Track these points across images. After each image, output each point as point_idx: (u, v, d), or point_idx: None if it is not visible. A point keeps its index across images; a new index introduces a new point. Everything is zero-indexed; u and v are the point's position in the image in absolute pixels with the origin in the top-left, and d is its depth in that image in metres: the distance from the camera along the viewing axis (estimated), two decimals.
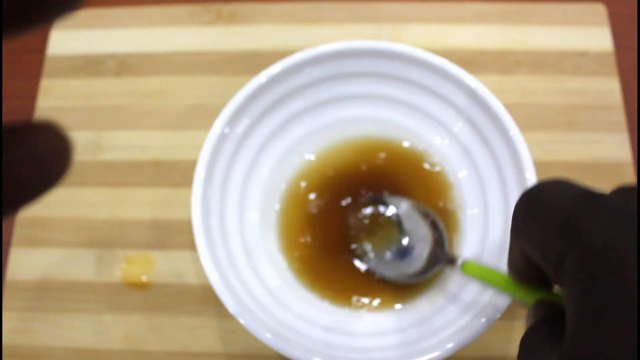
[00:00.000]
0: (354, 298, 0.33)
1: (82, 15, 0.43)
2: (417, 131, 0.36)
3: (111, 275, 0.36)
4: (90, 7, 0.44)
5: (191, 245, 0.36)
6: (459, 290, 0.31)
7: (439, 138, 0.35)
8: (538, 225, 0.16)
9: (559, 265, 0.15)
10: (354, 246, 0.33)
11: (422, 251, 0.32)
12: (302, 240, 0.34)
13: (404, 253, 0.32)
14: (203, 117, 0.39)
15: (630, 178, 0.37)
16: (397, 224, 0.33)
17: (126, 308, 0.35)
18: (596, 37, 0.40)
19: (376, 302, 0.33)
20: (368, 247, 0.33)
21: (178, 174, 0.38)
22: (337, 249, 0.34)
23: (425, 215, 0.33)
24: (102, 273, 0.36)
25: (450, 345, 0.27)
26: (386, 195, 0.34)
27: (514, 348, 0.33)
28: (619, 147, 0.37)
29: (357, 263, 0.33)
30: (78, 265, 0.36)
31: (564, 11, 0.41)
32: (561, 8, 0.41)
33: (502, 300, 0.28)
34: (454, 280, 0.32)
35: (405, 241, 0.33)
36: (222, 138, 0.32)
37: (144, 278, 0.36)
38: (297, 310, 0.32)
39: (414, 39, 0.41)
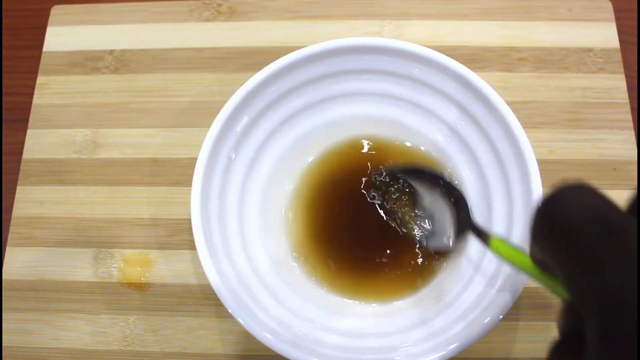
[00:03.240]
0: (355, 298, 0.32)
1: (80, 10, 0.43)
2: (419, 129, 0.35)
3: (109, 275, 0.35)
4: (88, 2, 0.43)
5: (190, 245, 0.35)
6: (462, 290, 0.31)
7: (441, 136, 0.35)
8: (558, 252, 0.16)
9: (575, 293, 0.15)
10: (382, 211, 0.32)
11: (445, 219, 0.30)
12: (302, 239, 0.34)
13: (427, 221, 0.31)
14: (202, 114, 0.39)
15: (635, 176, 0.36)
16: (412, 195, 0.32)
17: (124, 308, 0.35)
18: (601, 33, 0.40)
19: (378, 302, 0.32)
20: (398, 214, 0.32)
21: (177, 172, 0.37)
22: (338, 246, 0.34)
23: (441, 181, 0.31)
24: (99, 273, 0.35)
25: (454, 345, 0.27)
26: (394, 169, 0.33)
27: (517, 348, 0.33)
28: (624, 145, 0.37)
29: (361, 255, 0.33)
30: (75, 265, 0.36)
31: (569, 7, 0.41)
32: (566, 4, 0.41)
33: (507, 299, 0.27)
34: (456, 280, 0.31)
35: (425, 209, 0.31)
36: (222, 136, 0.32)
37: (142, 278, 0.35)
38: (297, 311, 0.31)
39: (415, 35, 0.40)
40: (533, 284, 0.26)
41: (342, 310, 0.32)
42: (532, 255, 0.20)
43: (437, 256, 0.33)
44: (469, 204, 0.30)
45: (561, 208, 0.16)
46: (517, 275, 0.28)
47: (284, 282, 0.32)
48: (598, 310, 0.14)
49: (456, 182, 0.32)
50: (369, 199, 0.34)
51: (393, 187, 0.33)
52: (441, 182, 0.31)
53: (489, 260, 0.31)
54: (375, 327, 0.31)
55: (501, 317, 0.27)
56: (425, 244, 0.31)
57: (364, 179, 0.34)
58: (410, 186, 0.32)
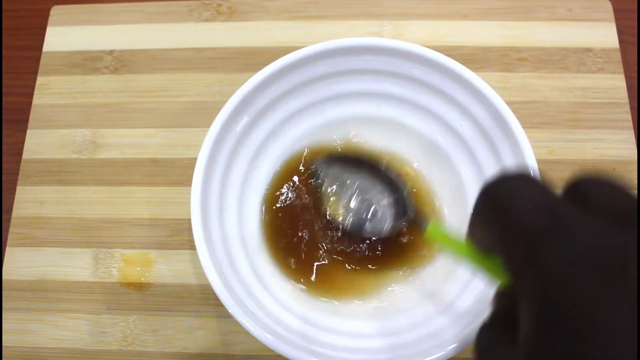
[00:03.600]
0: (355, 298, 0.32)
1: (79, 10, 0.43)
2: (419, 129, 0.35)
3: (108, 275, 0.35)
4: (88, 2, 0.43)
5: (190, 245, 0.35)
6: (462, 290, 0.31)
7: (441, 136, 0.35)
8: (500, 230, 0.17)
9: (516, 271, 0.16)
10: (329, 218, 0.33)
11: (383, 208, 0.32)
12: (302, 239, 0.34)
13: (366, 214, 0.33)
14: (202, 114, 0.39)
15: (635, 176, 0.36)
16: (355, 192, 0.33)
17: (124, 308, 0.35)
18: (601, 33, 0.40)
19: (378, 302, 0.32)
20: (341, 215, 0.33)
21: (177, 172, 0.37)
22: (339, 248, 0.33)
23: (384, 177, 0.33)
24: (99, 273, 0.35)
25: (454, 345, 0.27)
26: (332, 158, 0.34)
27: None
28: (624, 145, 0.37)
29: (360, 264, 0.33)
30: (75, 265, 0.36)
31: (569, 7, 0.41)
32: (566, 4, 0.41)
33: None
34: (456, 280, 0.31)
35: (360, 204, 0.33)
36: (222, 136, 0.32)
37: (141, 278, 0.35)
38: (297, 311, 0.31)
39: (415, 35, 0.40)
40: None
41: (342, 310, 0.32)
42: (471, 235, 0.20)
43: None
44: (406, 190, 0.32)
45: (507, 190, 0.17)
46: None
47: (283, 282, 0.32)
48: (536, 289, 0.15)
49: (393, 172, 0.33)
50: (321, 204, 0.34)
51: (331, 179, 0.34)
52: (380, 171, 0.33)
53: None
54: (375, 327, 0.31)
55: None
56: (365, 230, 0.33)
57: (305, 174, 0.35)
58: (347, 177, 0.34)
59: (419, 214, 0.31)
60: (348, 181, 0.33)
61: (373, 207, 0.33)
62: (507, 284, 0.19)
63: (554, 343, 0.14)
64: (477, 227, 0.19)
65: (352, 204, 0.33)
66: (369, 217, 0.33)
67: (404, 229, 0.33)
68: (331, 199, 0.33)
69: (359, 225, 0.33)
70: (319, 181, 0.34)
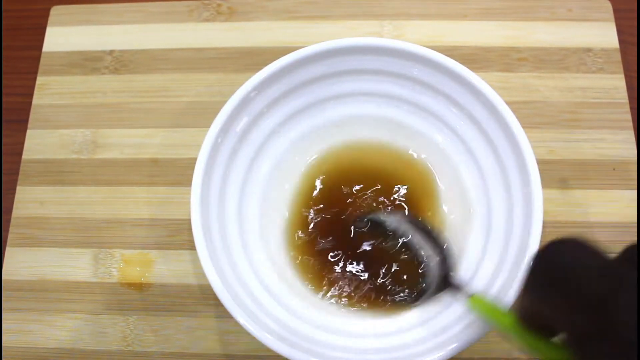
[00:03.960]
0: (356, 298, 0.32)
1: (79, 10, 0.43)
2: (419, 129, 0.35)
3: (108, 276, 0.35)
4: (87, 3, 0.43)
5: (190, 245, 0.35)
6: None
7: (441, 136, 0.35)
8: (563, 302, 0.16)
9: (582, 342, 0.15)
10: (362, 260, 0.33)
11: (429, 276, 0.31)
12: (302, 240, 0.34)
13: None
14: (202, 114, 0.39)
15: (635, 176, 0.36)
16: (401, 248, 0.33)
17: (124, 308, 0.35)
18: (601, 33, 0.40)
19: (378, 303, 0.32)
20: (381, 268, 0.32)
21: (177, 172, 0.37)
22: (338, 249, 0.33)
23: (428, 234, 0.32)
24: (99, 273, 0.35)
25: (454, 345, 0.27)
26: (385, 215, 0.34)
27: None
28: (624, 145, 0.37)
29: (359, 266, 0.33)
30: (74, 266, 0.36)
31: (569, 7, 0.41)
32: (565, 4, 0.41)
33: (507, 299, 0.27)
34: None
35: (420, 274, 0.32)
36: (221, 136, 0.32)
37: (141, 278, 0.35)
38: (297, 311, 0.31)
39: (415, 35, 0.40)
40: None
41: (342, 310, 0.32)
42: (523, 311, 0.19)
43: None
44: (452, 261, 0.31)
45: (560, 257, 0.16)
46: (516, 275, 0.28)
47: (284, 282, 0.32)
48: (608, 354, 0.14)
49: (444, 240, 0.32)
50: (357, 228, 0.34)
51: (379, 227, 0.33)
52: (431, 235, 0.32)
53: (488, 261, 0.31)
54: (375, 327, 0.31)
55: None
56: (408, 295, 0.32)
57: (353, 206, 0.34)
58: (397, 231, 0.33)
59: (462, 285, 0.29)
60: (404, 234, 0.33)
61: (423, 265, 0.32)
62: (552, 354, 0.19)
63: None
64: (530, 302, 0.18)
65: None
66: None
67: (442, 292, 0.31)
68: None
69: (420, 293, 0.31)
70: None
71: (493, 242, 0.31)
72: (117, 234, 0.36)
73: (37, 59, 0.42)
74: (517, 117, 0.31)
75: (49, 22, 0.42)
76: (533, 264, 0.17)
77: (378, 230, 0.33)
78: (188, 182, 0.31)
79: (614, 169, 0.36)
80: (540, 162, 0.30)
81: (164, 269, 0.35)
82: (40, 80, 0.41)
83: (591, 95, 0.38)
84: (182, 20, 0.42)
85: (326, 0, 0.42)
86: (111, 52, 0.41)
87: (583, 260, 0.16)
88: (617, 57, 0.39)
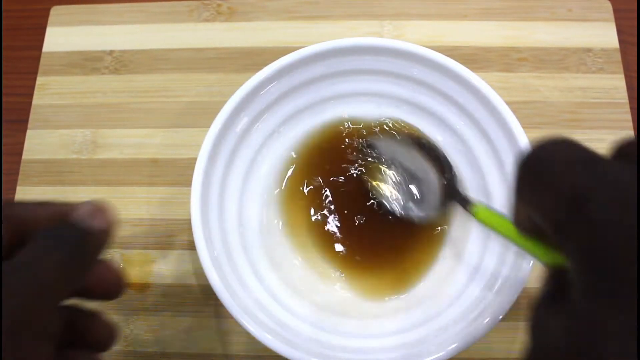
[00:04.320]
0: (356, 298, 0.32)
1: (79, 10, 0.43)
2: (419, 129, 0.35)
3: None
4: (87, 3, 0.43)
5: (190, 245, 0.35)
6: (462, 291, 0.31)
7: (441, 136, 0.35)
8: (542, 197, 0.16)
9: (562, 233, 0.15)
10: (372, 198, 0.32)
11: (431, 188, 0.31)
12: (302, 240, 0.34)
13: (413, 193, 0.32)
14: (202, 114, 0.39)
15: None
16: (399, 166, 0.32)
17: (124, 309, 0.35)
18: (601, 33, 0.40)
19: (378, 302, 0.32)
20: (384, 192, 0.32)
21: (177, 172, 0.37)
22: (339, 249, 0.34)
23: (430, 149, 0.32)
24: None
25: (454, 345, 0.27)
26: (380, 140, 0.33)
27: (517, 348, 0.33)
28: None
29: (358, 251, 0.33)
30: None
31: (569, 7, 0.41)
32: (565, 4, 0.41)
33: (506, 299, 0.27)
34: (456, 279, 0.31)
35: (410, 182, 0.32)
36: (222, 136, 0.32)
37: (141, 278, 0.35)
38: (297, 311, 0.31)
39: (415, 35, 0.40)
40: (533, 284, 0.26)
41: (342, 310, 0.32)
42: (516, 216, 0.19)
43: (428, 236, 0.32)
44: (454, 171, 0.31)
45: (543, 157, 0.16)
46: (516, 275, 0.28)
47: (284, 283, 0.32)
48: (584, 241, 0.14)
49: (443, 150, 0.32)
50: (356, 175, 0.33)
51: (377, 157, 0.33)
52: (427, 147, 0.32)
53: (488, 261, 0.31)
54: (375, 327, 0.31)
55: (501, 317, 0.27)
56: (411, 214, 0.32)
57: (352, 153, 0.34)
58: (392, 157, 0.33)
59: (466, 195, 0.30)
60: (394, 158, 0.32)
61: (419, 187, 0.32)
62: (555, 263, 0.19)
63: (611, 294, 0.13)
64: (518, 205, 0.18)
65: (397, 181, 0.32)
66: (415, 197, 0.31)
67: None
68: (377, 174, 0.32)
69: (405, 206, 0.31)
70: (365, 156, 0.33)
71: (492, 241, 0.31)
72: (117, 234, 0.36)
73: (37, 59, 0.42)
74: (517, 117, 0.31)
75: (49, 22, 0.42)
76: (521, 160, 0.17)
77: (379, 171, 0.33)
78: (188, 182, 0.31)
79: None
80: None
81: (164, 269, 0.35)
82: (40, 80, 0.41)
83: (591, 95, 0.38)
84: (182, 20, 0.42)
85: (326, 0, 0.42)
86: (111, 52, 0.41)
87: (565, 154, 0.15)
88: (617, 57, 0.39)
